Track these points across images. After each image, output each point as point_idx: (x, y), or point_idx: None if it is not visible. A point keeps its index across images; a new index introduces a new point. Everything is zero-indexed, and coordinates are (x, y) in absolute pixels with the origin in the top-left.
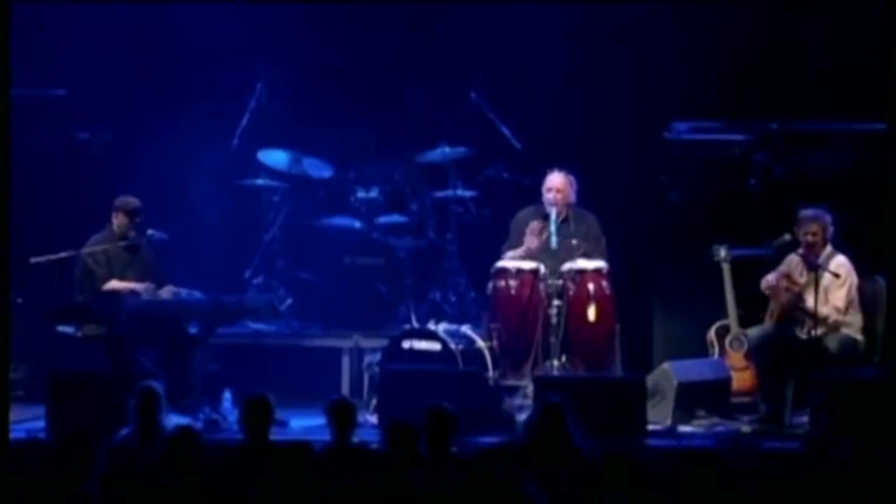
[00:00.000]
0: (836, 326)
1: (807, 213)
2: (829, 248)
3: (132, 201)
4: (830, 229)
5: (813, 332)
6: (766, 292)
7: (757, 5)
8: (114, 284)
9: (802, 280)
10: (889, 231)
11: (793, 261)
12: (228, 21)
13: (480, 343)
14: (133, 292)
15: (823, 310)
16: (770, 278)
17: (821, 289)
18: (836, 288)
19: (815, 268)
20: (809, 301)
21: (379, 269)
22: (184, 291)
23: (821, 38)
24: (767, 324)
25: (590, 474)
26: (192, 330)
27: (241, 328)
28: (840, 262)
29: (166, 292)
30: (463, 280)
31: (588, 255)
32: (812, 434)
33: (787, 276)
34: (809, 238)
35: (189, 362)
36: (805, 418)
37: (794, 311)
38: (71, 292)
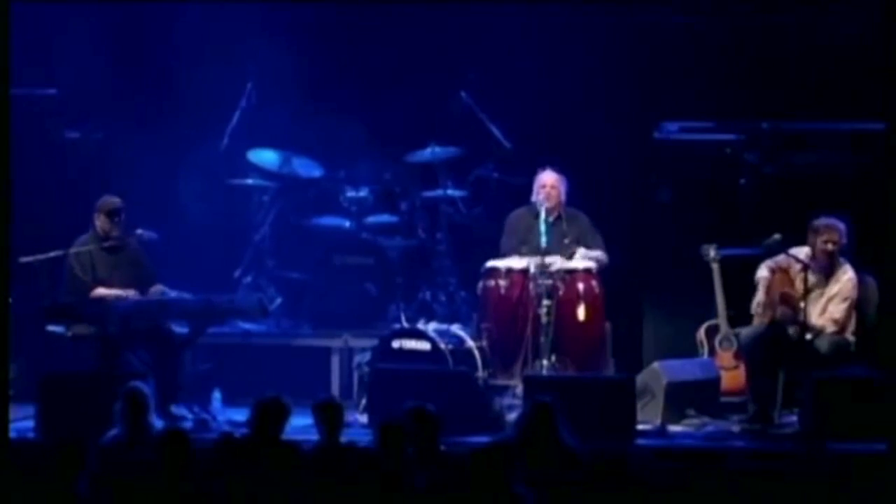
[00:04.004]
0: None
1: (825, 221)
2: (839, 258)
3: (111, 202)
4: (845, 238)
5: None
6: (757, 284)
7: (748, 6)
8: (100, 292)
9: (800, 287)
10: (886, 231)
11: (789, 261)
12: (218, 21)
13: (470, 343)
14: (119, 298)
15: (819, 321)
16: (765, 275)
17: (823, 297)
18: (838, 301)
19: (807, 269)
20: (802, 308)
21: (369, 269)
22: (173, 292)
23: (811, 39)
24: (757, 323)
25: (579, 474)
26: (182, 330)
27: (231, 328)
28: (849, 277)
29: (156, 292)
30: (453, 280)
31: (585, 246)
32: (802, 433)
33: (785, 272)
34: (830, 247)
35: (179, 362)
36: (794, 418)
37: (789, 322)
38: (59, 292)
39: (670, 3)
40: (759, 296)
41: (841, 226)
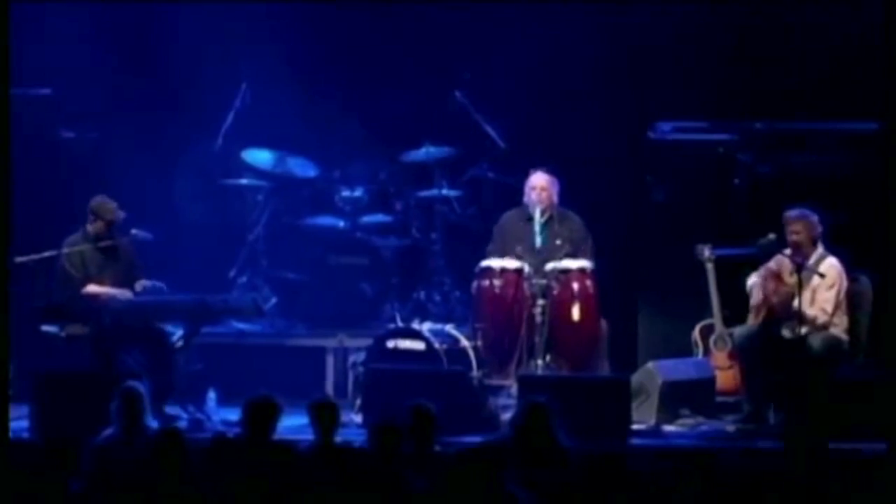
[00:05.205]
0: (822, 327)
1: (791, 212)
2: (820, 250)
3: (111, 209)
4: (817, 229)
5: (798, 332)
6: (750, 292)
7: (741, 5)
8: (92, 289)
9: (792, 280)
10: (885, 231)
11: (783, 261)
12: (213, 21)
13: (465, 342)
14: (111, 297)
15: (810, 311)
16: (756, 280)
17: (809, 289)
18: (824, 289)
19: (800, 268)
20: (796, 302)
21: (363, 269)
22: (155, 284)
23: (805, 39)
24: (752, 323)
25: (574, 474)
26: (177, 330)
27: (226, 328)
28: (831, 264)
29: (140, 288)
30: (447, 279)
31: (573, 255)
32: (794, 433)
33: (778, 276)
34: (794, 237)
35: (173, 362)
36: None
37: (783, 313)
38: (53, 292)
39: (665, 2)
40: (756, 296)
41: (807, 216)
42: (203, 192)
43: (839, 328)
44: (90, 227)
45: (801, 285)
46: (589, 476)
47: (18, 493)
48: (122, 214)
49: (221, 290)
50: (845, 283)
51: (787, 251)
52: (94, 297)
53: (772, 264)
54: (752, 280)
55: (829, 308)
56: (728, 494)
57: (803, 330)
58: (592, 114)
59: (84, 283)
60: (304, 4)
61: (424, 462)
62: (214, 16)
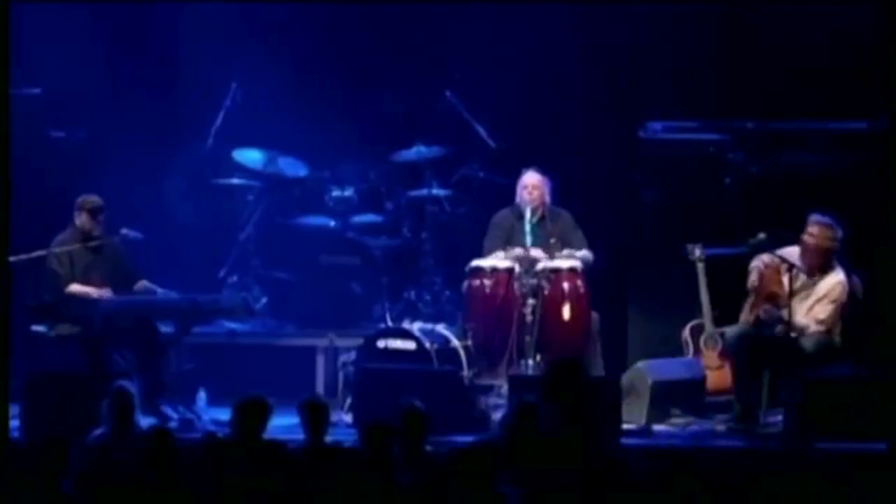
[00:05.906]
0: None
1: (817, 215)
2: (832, 263)
3: (93, 200)
4: (833, 243)
5: (788, 334)
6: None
7: (732, 4)
8: (74, 288)
9: (785, 284)
10: (882, 230)
11: (774, 259)
12: (203, 20)
13: (455, 342)
14: (91, 295)
15: (802, 320)
16: (758, 265)
17: (812, 297)
18: (825, 302)
19: (792, 267)
20: (786, 311)
21: (354, 269)
22: (159, 289)
23: (798, 38)
24: (743, 322)
25: (564, 474)
26: (167, 329)
27: (216, 327)
28: (838, 280)
29: (140, 288)
30: (438, 279)
31: (569, 245)
32: (787, 433)
33: (776, 270)
34: (808, 239)
35: (164, 362)
36: (779, 417)
37: (773, 320)
38: (41, 292)
39: (656, 2)
40: (753, 279)
41: (833, 229)
42: (194, 191)
43: (833, 331)
44: (77, 223)
45: (792, 294)
46: (579, 476)
47: (8, 494)
48: (102, 203)
49: (212, 290)
50: (845, 300)
51: (786, 252)
52: (82, 296)
53: (766, 258)
54: (754, 263)
55: (823, 318)
56: (719, 494)
57: (793, 333)
58: (583, 113)
59: (69, 282)
60: (294, 4)
61: (415, 462)
62: (205, 15)
